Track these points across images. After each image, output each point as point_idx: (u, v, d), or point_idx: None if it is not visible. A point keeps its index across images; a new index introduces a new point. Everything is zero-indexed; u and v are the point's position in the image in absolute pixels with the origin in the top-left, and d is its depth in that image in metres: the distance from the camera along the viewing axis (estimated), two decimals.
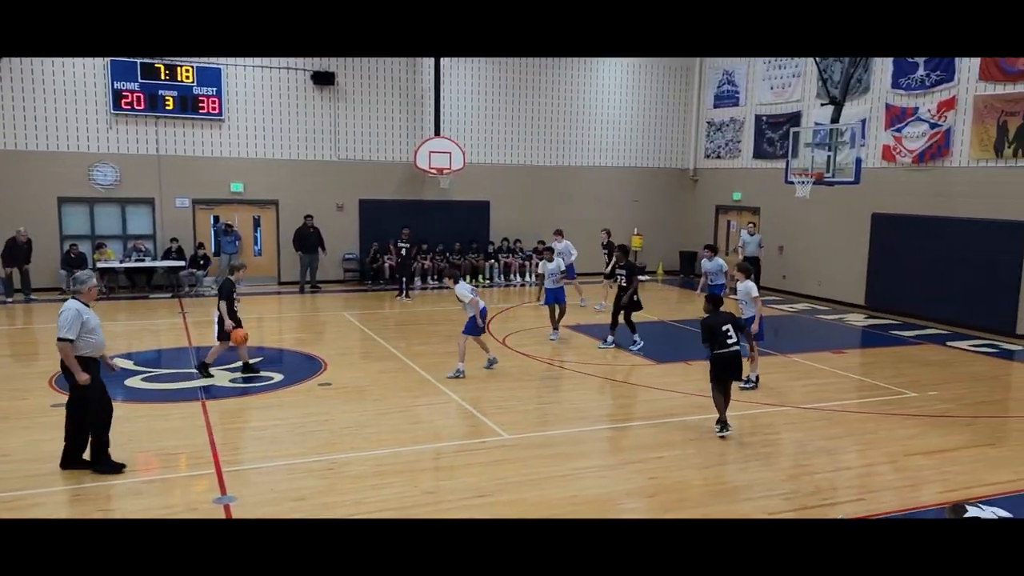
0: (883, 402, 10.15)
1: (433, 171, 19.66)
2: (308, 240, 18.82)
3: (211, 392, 9.97)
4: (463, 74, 20.67)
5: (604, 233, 18.02)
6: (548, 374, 11.42)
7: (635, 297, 12.77)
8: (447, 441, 8.42)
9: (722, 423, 8.55)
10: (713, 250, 14.29)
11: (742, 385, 9.98)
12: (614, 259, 13.30)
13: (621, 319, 12.78)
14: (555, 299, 13.43)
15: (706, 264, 13.95)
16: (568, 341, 13.55)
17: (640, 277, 20.10)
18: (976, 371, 12.00)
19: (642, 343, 12.65)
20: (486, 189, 21.12)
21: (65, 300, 7.17)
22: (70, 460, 7.16)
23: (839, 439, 8.63)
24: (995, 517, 3.47)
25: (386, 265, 19.62)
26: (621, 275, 12.89)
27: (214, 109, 18.34)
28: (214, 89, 18.29)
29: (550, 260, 13.52)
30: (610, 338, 12.92)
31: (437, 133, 19.85)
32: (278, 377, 10.80)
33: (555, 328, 13.57)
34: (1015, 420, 9.66)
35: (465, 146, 20.31)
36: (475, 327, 10.88)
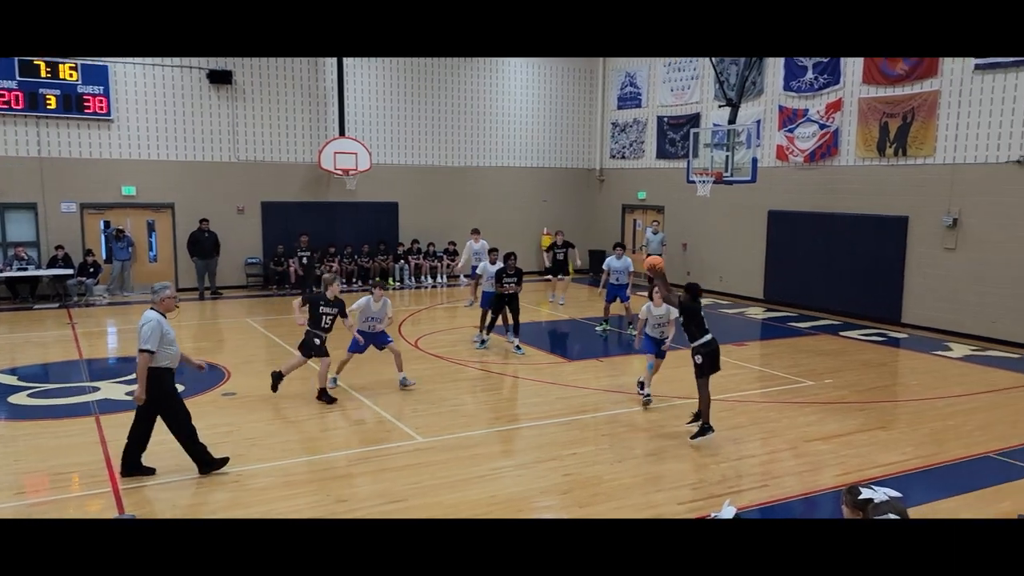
0: (783, 391, 10.59)
1: (339, 172, 19.29)
2: (203, 245, 18.11)
3: (105, 406, 9.45)
4: (368, 73, 20.36)
5: (559, 235, 18.01)
6: (461, 375, 11.37)
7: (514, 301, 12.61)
8: (359, 447, 8.26)
9: (704, 426, 8.28)
10: (623, 248, 14.48)
11: (642, 396, 9.72)
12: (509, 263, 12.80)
13: (497, 320, 12.72)
14: (490, 303, 12.85)
15: (614, 262, 14.04)
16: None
17: (550, 277, 20.32)
18: (867, 359, 12.67)
19: (485, 342, 12.74)
20: (394, 190, 20.88)
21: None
22: (130, 467, 7.15)
23: (743, 428, 8.94)
24: (886, 497, 3.64)
25: (291, 269, 19.11)
26: (511, 282, 12.40)
27: (101, 109, 17.41)
28: (101, 88, 17.37)
29: (492, 262, 12.89)
30: (486, 336, 12.81)
31: (342, 133, 19.49)
32: (178, 388, 10.30)
33: (482, 330, 12.95)
34: (903, 404, 10.25)
35: (371, 146, 20.02)
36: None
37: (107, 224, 18.17)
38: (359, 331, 10.15)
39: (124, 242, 17.85)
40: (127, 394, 9.97)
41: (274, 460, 7.73)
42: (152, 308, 7.08)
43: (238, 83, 18.84)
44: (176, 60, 18.08)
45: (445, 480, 7.30)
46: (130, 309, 16.66)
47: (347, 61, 19.63)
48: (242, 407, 9.55)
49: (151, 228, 18.79)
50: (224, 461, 7.35)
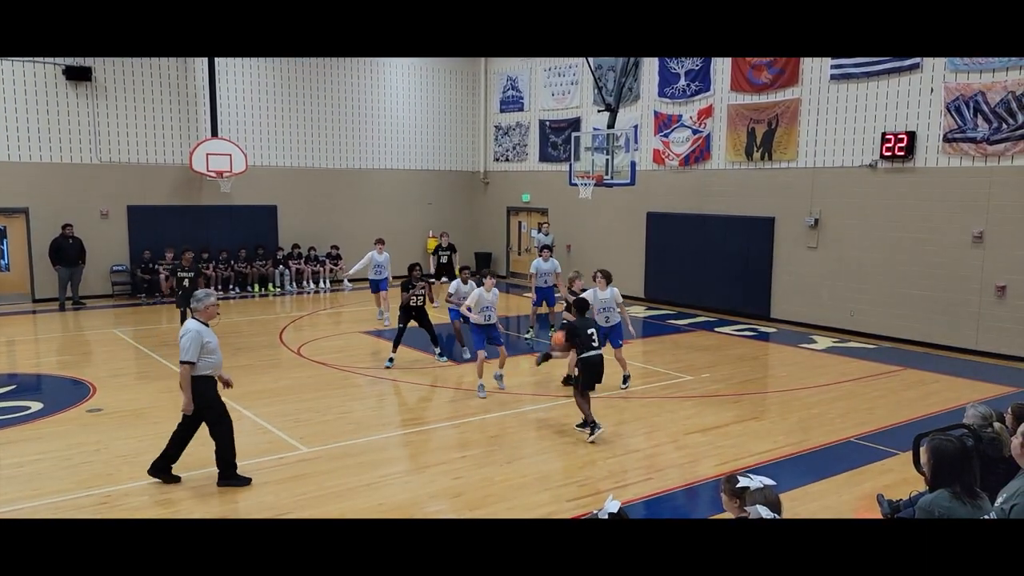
0: (664, 386, 10.96)
1: (212, 174, 18.47)
2: (67, 252, 16.91)
3: None
4: (241, 72, 19.61)
5: (444, 237, 17.78)
6: (347, 382, 11.12)
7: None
8: (240, 460, 7.90)
9: (591, 424, 8.47)
10: (550, 250, 14.60)
11: (621, 386, 10.56)
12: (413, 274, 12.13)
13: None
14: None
15: (541, 265, 14.08)
16: (364, 348, 13.29)
17: (445, 279, 20.24)
18: (740, 353, 13.31)
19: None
20: (272, 193, 20.20)
21: None
22: (160, 469, 7.16)
23: (627, 424, 9.18)
24: (761, 485, 3.80)
25: (161, 276, 18.11)
26: (421, 295, 11.95)
27: None
28: None
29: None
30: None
31: (214, 134, 18.67)
32: (37, 406, 9.60)
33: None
34: (773, 395, 10.83)
35: (247, 148, 19.29)
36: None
37: None
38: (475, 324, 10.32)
39: None
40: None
41: (148, 478, 7.29)
42: (194, 318, 7.05)
43: (99, 80, 17.71)
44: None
45: (332, 490, 7.12)
46: None
47: (218, 58, 18.83)
48: (110, 423, 8.97)
49: (2, 235, 17.37)
50: (248, 480, 7.21)
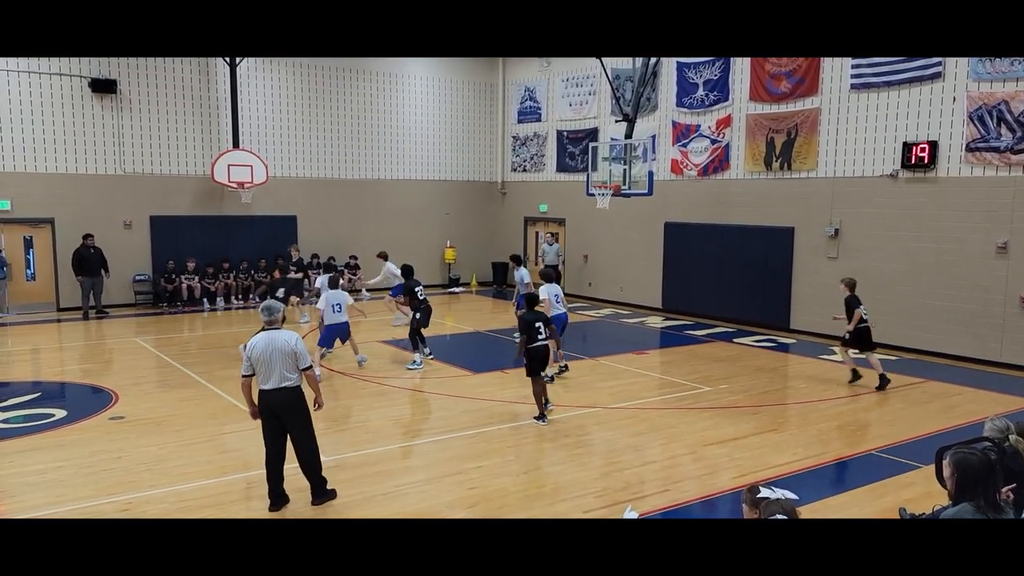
0: (681, 398, 10.90)
1: (233, 185, 18.66)
2: (89, 262, 17.14)
3: None
4: (262, 84, 19.83)
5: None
6: (363, 391, 11.17)
7: (416, 315, 12.66)
8: (259, 469, 7.94)
9: (541, 416, 9.44)
10: (517, 261, 15.12)
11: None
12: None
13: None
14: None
15: (514, 274, 14.97)
16: (383, 356, 13.34)
17: (454, 289, 20.36)
18: (759, 364, 13.21)
19: (420, 363, 12.45)
20: (292, 203, 20.37)
21: None
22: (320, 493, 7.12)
23: (644, 435, 9.14)
24: (782, 496, 3.79)
25: (183, 285, 18.32)
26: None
27: None
28: None
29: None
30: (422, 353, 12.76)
31: (236, 145, 18.87)
32: (61, 413, 9.72)
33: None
34: (792, 407, 10.73)
35: (268, 159, 19.49)
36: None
37: None
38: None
39: None
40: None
41: (168, 485, 7.37)
42: (277, 328, 6.82)
43: (123, 92, 17.98)
44: (55, 67, 17.10)
45: (349, 499, 7.14)
46: (6, 332, 15.56)
47: (240, 70, 19.07)
48: (132, 431, 9.06)
49: (28, 244, 17.65)
50: (333, 494, 7.15)
